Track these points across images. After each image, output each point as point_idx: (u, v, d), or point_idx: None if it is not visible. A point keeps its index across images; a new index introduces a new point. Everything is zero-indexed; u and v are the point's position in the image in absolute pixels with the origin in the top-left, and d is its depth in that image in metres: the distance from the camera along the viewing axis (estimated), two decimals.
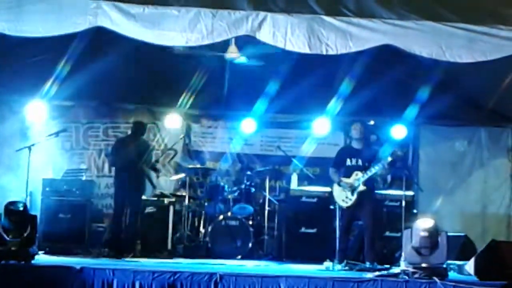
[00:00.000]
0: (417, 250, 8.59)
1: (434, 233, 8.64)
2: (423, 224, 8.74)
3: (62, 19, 8.02)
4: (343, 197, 10.37)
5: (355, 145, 10.69)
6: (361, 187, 10.24)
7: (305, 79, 11.96)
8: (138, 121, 12.21)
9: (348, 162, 10.48)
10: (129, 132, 12.12)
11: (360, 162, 10.42)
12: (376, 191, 11.11)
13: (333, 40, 8.16)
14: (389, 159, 10.28)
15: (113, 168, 12.06)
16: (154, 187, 12.15)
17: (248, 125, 13.35)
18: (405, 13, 8.26)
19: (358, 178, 10.26)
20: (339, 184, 10.44)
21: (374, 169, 10.23)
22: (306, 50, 8.21)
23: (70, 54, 10.95)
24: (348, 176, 10.38)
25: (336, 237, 10.40)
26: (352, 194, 10.27)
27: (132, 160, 11.17)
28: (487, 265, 8.66)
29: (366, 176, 10.24)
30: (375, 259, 10.08)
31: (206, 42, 8.18)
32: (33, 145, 10.86)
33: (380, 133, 12.69)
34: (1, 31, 8.02)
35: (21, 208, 8.77)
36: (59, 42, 9.30)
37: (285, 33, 8.12)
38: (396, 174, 12.15)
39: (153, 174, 12.02)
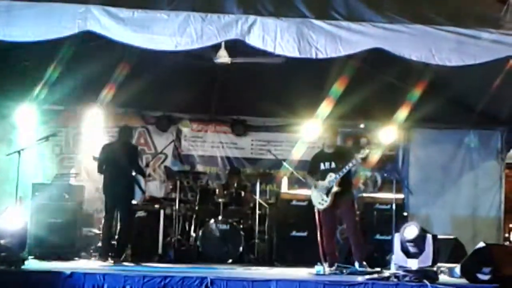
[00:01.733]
0: (406, 253, 8.62)
1: (422, 236, 8.68)
2: (409, 229, 8.79)
3: (52, 23, 7.98)
4: (319, 200, 10.37)
5: (327, 149, 10.64)
6: (335, 188, 10.17)
7: (295, 82, 11.98)
8: (125, 125, 12.17)
9: (322, 166, 10.45)
10: (117, 136, 12.06)
11: (333, 165, 10.35)
12: (366, 195, 11.09)
13: (323, 44, 8.15)
14: (361, 155, 10.17)
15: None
16: (143, 192, 12.13)
17: (238, 129, 13.35)
18: (395, 17, 8.26)
19: (332, 180, 10.22)
20: (315, 187, 10.43)
21: (347, 167, 10.16)
22: (295, 54, 8.21)
23: (60, 59, 10.92)
24: (323, 179, 10.35)
25: (322, 242, 10.42)
26: (327, 195, 10.24)
27: (120, 165, 11.12)
28: (477, 267, 8.68)
29: (338, 176, 10.16)
30: (362, 258, 10.01)
31: (195, 46, 8.16)
32: (23, 149, 10.81)
33: (370, 136, 12.72)
34: None
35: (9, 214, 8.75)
36: (49, 46, 9.25)
37: (274, 37, 8.11)
38: (386, 177, 12.19)
39: (142, 179, 11.99)
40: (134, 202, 11.76)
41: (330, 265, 10.02)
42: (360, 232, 10.50)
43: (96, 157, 11.38)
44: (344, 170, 10.16)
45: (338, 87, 11.94)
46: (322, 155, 10.66)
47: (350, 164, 10.13)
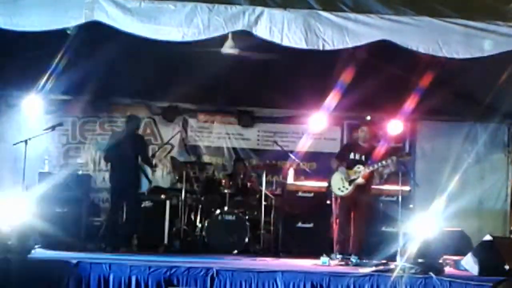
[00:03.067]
0: (414, 245, 8.63)
1: (429, 228, 8.69)
2: (421, 220, 8.79)
3: (58, 13, 7.99)
4: (339, 186, 10.51)
5: (362, 143, 10.81)
6: (360, 180, 10.36)
7: (302, 74, 11.96)
8: (132, 115, 12.16)
9: (352, 155, 10.64)
10: (124, 126, 12.06)
11: (363, 158, 10.56)
12: (372, 186, 11.11)
13: (330, 36, 8.14)
14: (394, 158, 10.34)
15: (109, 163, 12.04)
16: (150, 182, 12.12)
17: (245, 120, 13.34)
18: (402, 9, 8.24)
19: (359, 171, 10.38)
20: (339, 171, 10.54)
21: (380, 164, 10.35)
22: (303, 45, 8.19)
23: (67, 48, 10.89)
24: (350, 168, 10.50)
25: (334, 229, 10.46)
26: (350, 184, 10.40)
27: (127, 155, 11.13)
28: (483, 260, 8.68)
29: (367, 170, 10.35)
30: (361, 253, 10.09)
31: (202, 37, 8.14)
32: (29, 139, 10.82)
33: (377, 129, 12.68)
34: None
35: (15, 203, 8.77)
36: (56, 36, 9.25)
37: (281, 28, 8.10)
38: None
39: (148, 169, 12.00)
40: (141, 192, 11.77)
41: (340, 254, 10.12)
42: (367, 230, 10.64)
43: (100, 142, 11.41)
44: (375, 166, 10.35)
45: (345, 79, 11.91)
46: (355, 146, 10.84)
47: (384, 162, 10.28)
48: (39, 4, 8.00)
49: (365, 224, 10.59)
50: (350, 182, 10.43)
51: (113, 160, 11.28)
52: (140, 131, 12.98)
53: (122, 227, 11.19)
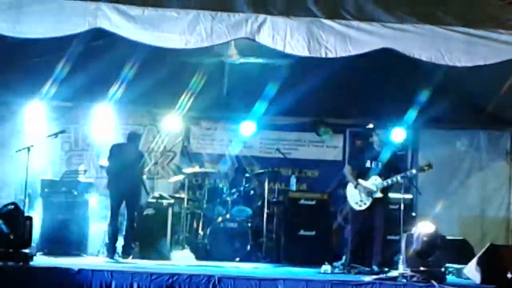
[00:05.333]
0: (417, 253, 8.60)
1: (435, 237, 8.66)
2: (424, 228, 8.75)
3: (62, 20, 8.02)
4: (357, 200, 10.23)
5: (377, 147, 10.48)
6: (379, 194, 10.12)
7: (304, 82, 11.97)
8: (134, 131, 12.15)
9: (368, 164, 10.31)
10: (126, 141, 12.03)
11: (380, 166, 10.26)
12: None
13: (333, 43, 8.16)
14: (414, 171, 10.32)
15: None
16: (148, 193, 12.11)
17: (247, 127, 13.34)
18: (405, 17, 8.27)
19: (376, 184, 10.12)
20: (355, 187, 10.26)
21: (396, 179, 10.08)
22: (305, 53, 8.22)
23: (69, 55, 10.94)
24: (365, 178, 10.23)
25: (347, 239, 10.48)
26: (367, 198, 10.13)
27: (130, 166, 11.12)
28: (485, 269, 8.66)
29: (385, 184, 10.10)
30: (381, 263, 9.91)
31: (205, 44, 8.18)
32: (32, 146, 10.83)
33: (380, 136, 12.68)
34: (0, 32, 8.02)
35: (14, 210, 8.75)
36: (59, 43, 9.28)
37: (284, 36, 8.12)
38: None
39: (147, 182, 11.99)
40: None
41: (349, 263, 10.00)
42: (385, 239, 10.37)
43: (104, 166, 11.49)
44: (394, 180, 10.10)
45: (346, 86, 11.95)
46: (371, 153, 10.49)
47: (403, 174, 10.06)
48: (43, 12, 8.03)
49: (384, 234, 10.32)
50: (368, 195, 10.13)
51: (115, 170, 11.23)
52: (143, 139, 12.99)
53: (124, 235, 11.18)
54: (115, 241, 11.05)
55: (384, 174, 10.16)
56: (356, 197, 10.25)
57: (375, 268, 9.76)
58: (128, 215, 11.08)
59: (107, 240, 11.25)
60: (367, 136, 11.23)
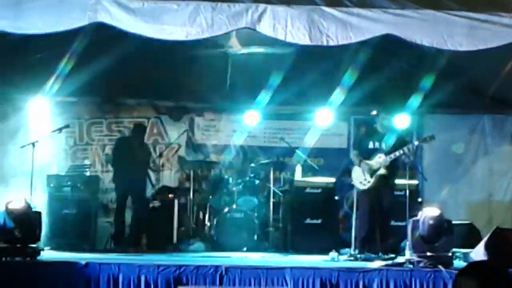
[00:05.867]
0: (423, 238, 8.59)
1: (440, 221, 8.64)
2: (429, 212, 8.73)
3: (62, 15, 7.99)
4: (361, 179, 10.28)
5: (380, 129, 10.55)
6: (382, 170, 10.11)
7: (308, 70, 11.97)
8: (139, 123, 12.18)
9: (371, 144, 10.38)
10: (130, 133, 12.04)
11: (383, 145, 10.31)
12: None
13: (334, 31, 8.11)
14: (416, 143, 10.23)
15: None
16: (153, 186, 12.14)
17: (251, 117, 13.36)
18: (406, 2, 8.21)
19: (380, 161, 10.14)
20: (359, 166, 10.30)
21: (399, 152, 10.04)
22: (307, 41, 8.16)
23: (73, 50, 10.93)
24: (370, 158, 10.28)
25: (355, 224, 10.41)
26: (371, 176, 10.16)
27: (136, 159, 11.17)
28: (492, 252, 8.66)
29: (389, 160, 10.09)
30: (390, 249, 9.95)
31: (206, 35, 8.14)
32: (37, 141, 10.86)
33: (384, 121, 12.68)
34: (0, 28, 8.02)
35: (23, 205, 8.77)
36: (62, 38, 9.27)
37: (285, 25, 8.07)
38: (400, 163, 12.15)
39: (152, 174, 12.01)
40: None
41: (361, 252, 9.94)
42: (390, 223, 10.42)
43: (109, 154, 11.48)
44: (397, 153, 10.06)
45: (350, 74, 11.92)
46: (373, 133, 10.56)
47: (405, 149, 10.00)
48: (43, 7, 7.99)
49: (390, 217, 10.38)
50: (372, 173, 10.16)
51: (121, 163, 11.28)
52: (147, 131, 13.02)
53: (131, 227, 11.22)
54: (122, 233, 11.10)
55: (388, 152, 10.17)
56: (360, 177, 10.29)
57: (382, 254, 9.75)
58: (134, 208, 11.13)
59: (113, 233, 11.29)
60: (372, 123, 11.19)
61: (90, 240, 11.39)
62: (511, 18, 8.09)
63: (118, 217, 11.17)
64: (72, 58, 11.16)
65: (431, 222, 8.63)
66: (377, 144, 10.36)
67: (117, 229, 11.22)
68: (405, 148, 10.06)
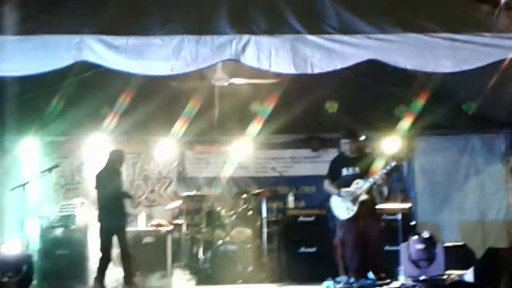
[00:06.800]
0: (414, 263, 8.57)
1: (430, 245, 8.63)
2: (419, 236, 8.74)
3: (47, 56, 7.99)
4: (344, 208, 9.98)
5: (350, 154, 10.28)
6: (364, 196, 9.83)
7: (294, 99, 12.00)
8: (112, 150, 11.85)
9: (345, 171, 10.10)
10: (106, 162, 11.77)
11: (357, 170, 10.03)
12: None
13: (318, 59, 8.11)
14: (393, 163, 9.92)
15: None
16: (131, 197, 11.91)
17: (241, 148, 13.36)
18: (388, 27, 8.24)
19: (360, 187, 9.85)
20: (338, 195, 10.05)
21: (380, 173, 9.83)
22: (292, 70, 8.15)
23: (60, 90, 10.96)
24: (347, 186, 10.00)
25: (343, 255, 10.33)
26: (354, 203, 9.85)
27: (109, 192, 10.88)
28: (485, 273, 8.63)
29: (368, 184, 9.85)
30: (381, 270, 9.75)
31: (191, 69, 8.15)
32: (27, 182, 10.82)
33: (373, 147, 12.69)
34: None
35: (14, 248, 8.73)
36: (48, 78, 9.27)
37: (269, 55, 8.08)
38: (393, 187, 12.14)
39: (128, 202, 11.78)
40: (140, 229, 11.75)
41: (355, 280, 9.73)
42: (382, 247, 10.18)
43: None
44: (377, 177, 9.85)
45: (335, 101, 11.98)
46: (343, 160, 10.30)
47: (384, 170, 9.82)
48: (27, 49, 7.99)
49: (380, 237, 10.06)
50: (354, 200, 9.87)
51: (102, 200, 11.05)
52: (138, 165, 12.98)
53: (123, 266, 11.04)
54: (104, 275, 10.80)
55: (364, 176, 9.96)
56: (342, 206, 10.01)
57: (377, 280, 9.67)
58: (121, 246, 10.88)
59: (96, 274, 10.97)
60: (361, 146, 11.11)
61: (85, 280, 11.28)
62: (492, 37, 8.13)
63: (103, 259, 10.78)
64: (61, 97, 11.18)
65: (420, 246, 8.62)
66: (350, 170, 10.12)
67: (100, 270, 10.79)
68: (384, 169, 9.88)
